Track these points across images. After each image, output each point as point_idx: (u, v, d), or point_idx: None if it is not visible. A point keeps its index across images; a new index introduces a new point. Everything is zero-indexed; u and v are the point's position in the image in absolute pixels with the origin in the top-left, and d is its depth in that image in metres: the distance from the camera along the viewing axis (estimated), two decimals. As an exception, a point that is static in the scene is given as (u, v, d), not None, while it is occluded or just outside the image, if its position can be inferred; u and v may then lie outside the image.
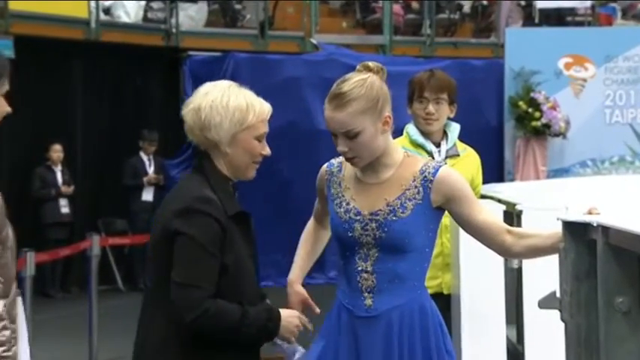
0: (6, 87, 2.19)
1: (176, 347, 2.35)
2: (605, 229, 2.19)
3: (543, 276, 2.94)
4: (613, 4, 13.05)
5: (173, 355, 2.36)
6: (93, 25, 10.08)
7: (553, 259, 2.52)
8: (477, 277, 3.83)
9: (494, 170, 10.75)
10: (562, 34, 11.93)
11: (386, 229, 2.61)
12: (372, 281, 2.63)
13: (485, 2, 13.12)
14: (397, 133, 3.62)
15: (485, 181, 4.11)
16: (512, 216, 4.08)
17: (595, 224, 2.24)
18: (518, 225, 4.05)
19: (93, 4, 10.11)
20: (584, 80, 11.61)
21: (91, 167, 10.57)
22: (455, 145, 3.87)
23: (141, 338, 2.44)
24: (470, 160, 3.88)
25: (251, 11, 11.71)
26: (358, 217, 2.64)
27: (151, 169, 10.48)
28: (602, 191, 5.57)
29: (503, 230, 2.66)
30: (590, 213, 2.41)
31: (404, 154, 2.71)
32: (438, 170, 2.65)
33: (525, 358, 4.03)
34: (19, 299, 2.22)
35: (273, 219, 10.52)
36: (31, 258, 5.29)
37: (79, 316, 7.35)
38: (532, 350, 3.97)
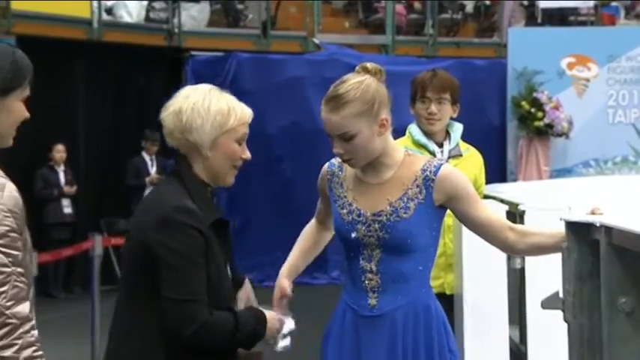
0: (27, 92, 2.18)
1: (161, 354, 2.34)
2: (608, 230, 2.19)
3: (546, 276, 2.94)
4: (616, 4, 13.03)
5: None
6: (95, 25, 10.09)
7: (556, 259, 2.52)
8: (479, 277, 3.83)
9: (497, 170, 10.75)
10: (565, 33, 11.93)
11: (389, 230, 2.60)
12: (377, 281, 2.63)
13: (487, 2, 13.12)
14: (400, 133, 3.61)
15: (487, 181, 4.10)
16: (515, 216, 4.07)
17: (598, 224, 2.24)
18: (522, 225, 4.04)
19: (95, 4, 10.12)
20: (587, 80, 11.60)
21: (94, 167, 10.58)
22: (457, 145, 3.86)
23: (117, 346, 2.40)
24: (472, 160, 3.88)
25: (253, 11, 11.72)
26: (361, 219, 2.63)
27: (153, 169, 10.49)
28: (605, 191, 5.56)
29: (506, 227, 2.66)
30: (593, 213, 2.41)
31: (404, 154, 2.71)
32: (439, 169, 2.64)
33: (528, 359, 4.02)
34: None
35: (276, 219, 10.53)
36: (34, 258, 5.29)
37: (81, 317, 7.36)
38: (535, 350, 3.96)
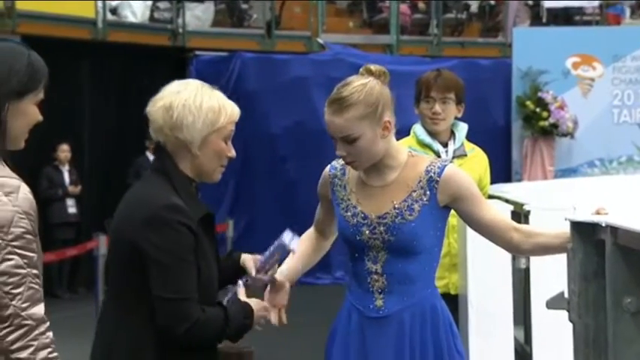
0: (41, 95, 2.18)
1: (151, 354, 2.33)
2: (614, 230, 2.18)
3: (551, 276, 2.93)
4: (621, 4, 13.01)
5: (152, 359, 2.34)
6: (100, 25, 10.10)
7: (561, 260, 2.51)
8: (484, 277, 3.82)
9: (502, 170, 10.74)
10: (570, 33, 11.91)
11: (395, 233, 2.59)
12: (383, 282, 2.62)
13: (492, 2, 13.11)
14: (404, 133, 3.61)
15: (492, 181, 4.09)
16: (520, 216, 4.06)
17: (603, 224, 2.23)
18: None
19: (100, 4, 10.13)
20: (592, 80, 11.58)
21: (98, 167, 10.59)
22: (462, 144, 3.85)
23: (105, 345, 2.39)
24: (477, 160, 3.87)
25: (258, 11, 11.72)
26: (366, 221, 2.62)
27: (157, 169, 10.49)
28: (611, 191, 5.55)
29: (511, 228, 2.65)
30: (598, 213, 2.40)
31: (408, 155, 2.69)
32: (443, 170, 2.63)
33: (533, 359, 4.02)
34: None
35: (280, 218, 10.52)
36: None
37: (86, 317, 7.36)
38: (540, 351, 3.95)
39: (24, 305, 2.02)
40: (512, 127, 11.60)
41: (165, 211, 2.31)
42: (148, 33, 10.76)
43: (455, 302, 3.82)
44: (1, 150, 2.11)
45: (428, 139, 3.80)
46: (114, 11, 10.59)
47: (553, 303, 2.52)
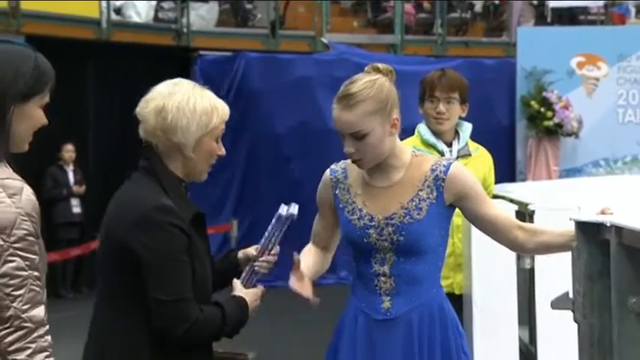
0: (47, 99, 2.18)
1: (147, 355, 2.32)
2: (619, 229, 2.18)
3: (556, 276, 2.92)
4: (626, 3, 12.99)
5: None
6: (104, 25, 10.11)
7: (566, 259, 2.50)
8: (489, 277, 3.81)
9: (506, 170, 10.73)
10: (574, 33, 11.89)
11: (403, 233, 2.58)
12: (391, 284, 2.60)
13: (497, 1, 13.09)
14: (408, 132, 3.60)
15: (496, 181, 4.09)
16: (525, 216, 4.06)
17: (608, 224, 2.23)
18: (531, 225, 4.03)
19: (104, 4, 10.14)
20: (597, 79, 11.56)
21: (103, 167, 10.60)
22: (467, 144, 3.85)
23: (98, 347, 2.38)
24: (482, 160, 3.87)
25: (262, 11, 11.72)
26: (373, 223, 2.60)
27: (162, 169, 10.50)
28: (615, 191, 5.54)
29: (515, 226, 2.64)
30: (603, 213, 2.40)
31: (412, 154, 2.68)
32: (449, 168, 2.63)
33: (538, 359, 4.01)
34: None
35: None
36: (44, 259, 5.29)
37: (89, 317, 7.36)
38: (545, 351, 3.95)
39: (24, 307, 2.02)
40: (517, 127, 11.58)
41: (156, 212, 2.30)
42: (153, 33, 10.76)
43: (459, 302, 3.82)
44: (4, 152, 2.10)
45: (432, 139, 3.80)
46: (118, 11, 10.60)
47: (558, 303, 2.51)
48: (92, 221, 10.12)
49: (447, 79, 3.81)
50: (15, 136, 2.12)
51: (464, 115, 3.87)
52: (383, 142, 2.58)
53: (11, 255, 2.02)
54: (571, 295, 2.44)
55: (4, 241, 2.02)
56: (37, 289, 2.05)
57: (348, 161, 2.70)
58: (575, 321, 2.40)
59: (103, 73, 10.51)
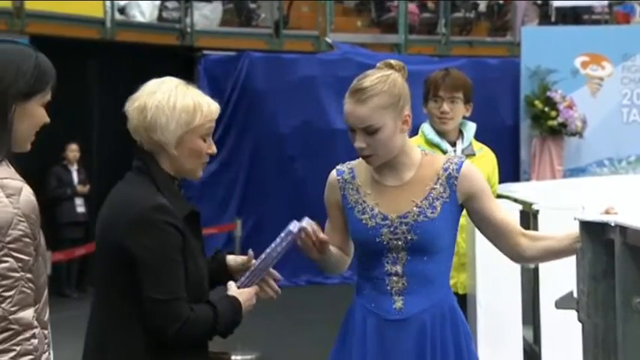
0: (48, 97, 2.17)
1: (143, 353, 2.32)
2: (623, 229, 2.17)
3: (560, 276, 2.92)
4: (631, 3, 12.97)
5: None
6: (108, 24, 10.12)
7: (570, 259, 2.50)
8: (493, 277, 3.81)
9: (510, 170, 10.71)
10: (579, 32, 11.87)
11: (417, 232, 2.56)
12: (403, 284, 2.58)
13: (501, 1, 13.08)
14: (412, 132, 3.59)
15: (500, 181, 4.08)
16: (529, 216, 4.06)
17: (613, 224, 2.22)
18: (535, 225, 4.03)
19: (108, 3, 10.15)
20: (601, 79, 11.55)
21: (107, 166, 10.60)
22: (471, 144, 3.85)
23: (97, 347, 2.38)
24: (486, 160, 3.86)
25: (266, 10, 11.72)
26: (386, 222, 2.58)
27: (165, 169, 10.50)
28: (620, 191, 5.53)
29: (519, 233, 2.63)
30: (607, 213, 2.39)
31: (421, 153, 2.67)
32: (461, 166, 2.61)
33: (542, 359, 4.01)
34: None
35: (288, 218, 10.49)
36: (48, 258, 5.31)
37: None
38: (549, 351, 3.95)
39: (12, 309, 2.00)
40: (521, 127, 11.57)
41: (153, 212, 2.30)
42: (157, 32, 10.77)
43: (463, 302, 3.82)
44: (6, 151, 2.10)
45: (436, 139, 3.80)
46: (122, 11, 10.61)
47: (562, 303, 2.51)
48: (96, 221, 10.14)
49: (451, 79, 3.81)
50: (17, 135, 2.11)
51: (468, 114, 3.87)
52: (394, 139, 2.57)
53: (5, 255, 2.01)
54: (575, 295, 2.44)
55: None
56: (29, 291, 2.04)
57: (355, 161, 2.68)
58: (580, 321, 2.39)
59: (107, 73, 10.52)
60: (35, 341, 2.03)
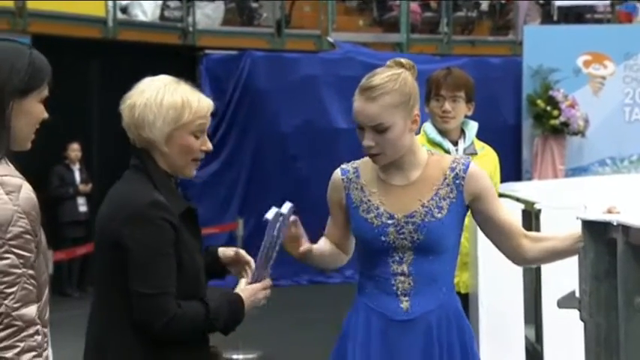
0: (45, 93, 2.17)
1: (141, 351, 2.32)
2: (626, 229, 2.17)
3: (562, 275, 2.92)
4: (633, 2, 12.96)
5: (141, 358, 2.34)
6: (110, 23, 10.13)
7: (572, 259, 2.50)
8: (495, 276, 3.81)
9: (512, 169, 10.71)
10: (581, 31, 11.87)
11: (424, 231, 2.55)
12: (409, 283, 2.56)
13: (503, 0, 13.07)
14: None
15: (502, 180, 4.08)
16: (531, 215, 4.05)
17: (615, 223, 2.22)
18: (537, 224, 4.03)
19: (110, 3, 10.16)
20: (604, 78, 11.54)
21: (109, 166, 10.61)
22: (472, 143, 3.85)
23: (97, 346, 2.38)
24: (488, 159, 3.86)
25: (267, 10, 11.72)
26: (392, 221, 2.56)
27: (167, 168, 10.51)
28: (622, 190, 5.52)
29: (522, 234, 2.62)
30: (609, 212, 2.39)
31: (428, 153, 2.66)
32: (468, 167, 2.61)
33: (544, 358, 4.00)
34: None
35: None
36: (50, 257, 5.30)
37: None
38: (551, 350, 3.94)
39: (15, 305, 2.01)
40: (523, 126, 11.56)
41: (148, 208, 2.31)
42: (159, 32, 10.77)
43: (465, 301, 3.82)
44: (5, 149, 2.10)
45: (438, 138, 3.79)
46: (124, 10, 10.61)
47: (564, 302, 2.51)
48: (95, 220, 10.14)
49: (453, 78, 3.81)
50: (16, 132, 2.11)
51: (470, 113, 3.86)
52: (403, 138, 2.55)
53: (6, 252, 2.01)
54: (577, 294, 2.44)
55: None
56: (31, 287, 2.04)
57: (359, 160, 2.67)
58: (582, 320, 2.39)
59: (109, 72, 10.52)
60: (39, 337, 2.04)
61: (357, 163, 2.68)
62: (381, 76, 2.54)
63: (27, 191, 2.08)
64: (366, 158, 2.64)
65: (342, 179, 2.66)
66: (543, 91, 11.32)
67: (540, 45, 11.40)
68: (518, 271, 3.93)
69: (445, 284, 2.61)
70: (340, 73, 10.48)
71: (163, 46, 10.60)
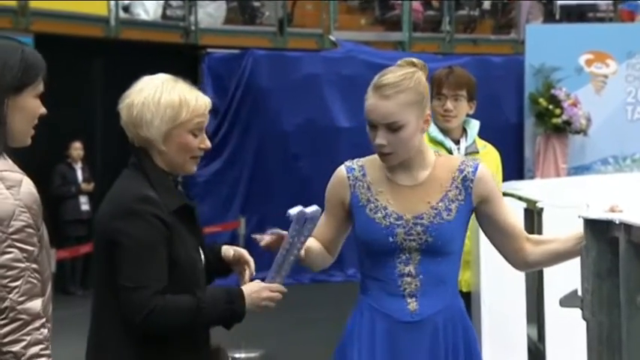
0: (40, 88, 2.18)
1: (134, 348, 2.33)
2: (628, 227, 2.17)
3: (564, 274, 2.92)
4: (635, 1, 12.95)
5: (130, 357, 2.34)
6: (112, 22, 10.13)
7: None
8: (497, 275, 3.81)
9: (514, 168, 10.71)
10: (583, 30, 11.86)
11: (434, 233, 2.53)
12: (416, 285, 2.54)
13: (505, -1, 13.08)
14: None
15: (504, 179, 4.08)
16: (533, 213, 4.05)
17: (617, 222, 2.22)
18: (539, 222, 4.03)
19: (113, 2, 10.16)
20: (606, 77, 11.53)
21: (111, 164, 10.59)
22: (474, 142, 3.85)
23: (96, 344, 2.39)
24: (490, 157, 3.86)
25: (270, 8, 11.73)
26: (400, 222, 2.53)
27: (169, 167, 10.52)
28: (624, 189, 5.53)
29: (524, 238, 2.61)
30: (612, 210, 2.38)
31: (435, 154, 2.64)
32: (477, 169, 2.58)
33: (546, 357, 4.01)
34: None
35: (292, 216, 10.52)
36: (52, 255, 5.32)
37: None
38: (553, 349, 3.95)
39: (20, 299, 2.02)
40: (525, 125, 11.56)
41: (137, 202, 2.32)
42: (161, 31, 10.77)
43: (466, 300, 3.81)
44: (3, 145, 2.10)
45: (440, 137, 3.79)
46: (126, 9, 10.62)
47: (566, 301, 2.51)
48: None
49: (455, 77, 3.80)
50: (14, 129, 2.12)
51: (471, 112, 3.86)
52: (414, 138, 2.53)
53: (9, 246, 2.02)
54: (580, 293, 2.44)
55: (1, 232, 2.02)
56: (35, 281, 2.05)
57: (364, 159, 2.64)
58: (584, 319, 2.39)
59: (112, 71, 10.52)
60: (45, 331, 2.05)
61: (362, 161, 2.64)
62: (395, 74, 2.52)
63: (28, 186, 2.09)
64: (372, 157, 2.61)
65: (348, 177, 2.62)
66: (545, 90, 11.32)
67: (542, 44, 11.39)
68: (521, 269, 3.93)
69: (451, 285, 2.60)
70: (342, 71, 10.47)
71: (165, 45, 10.60)
